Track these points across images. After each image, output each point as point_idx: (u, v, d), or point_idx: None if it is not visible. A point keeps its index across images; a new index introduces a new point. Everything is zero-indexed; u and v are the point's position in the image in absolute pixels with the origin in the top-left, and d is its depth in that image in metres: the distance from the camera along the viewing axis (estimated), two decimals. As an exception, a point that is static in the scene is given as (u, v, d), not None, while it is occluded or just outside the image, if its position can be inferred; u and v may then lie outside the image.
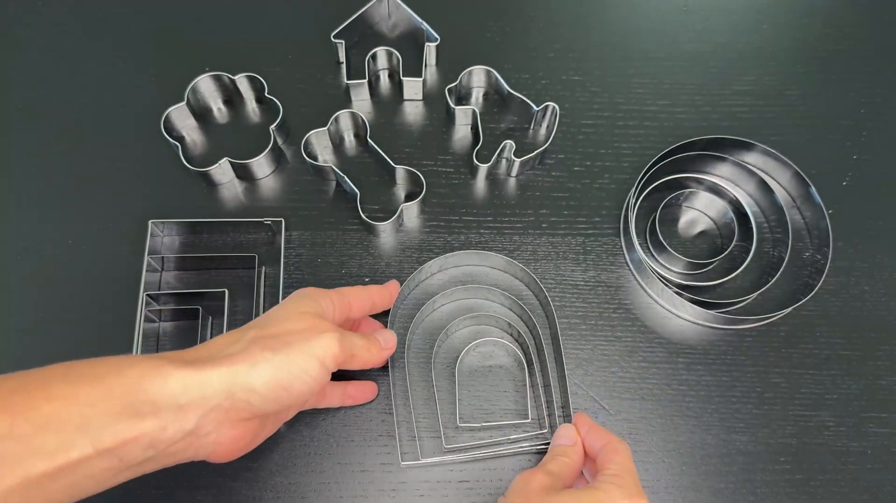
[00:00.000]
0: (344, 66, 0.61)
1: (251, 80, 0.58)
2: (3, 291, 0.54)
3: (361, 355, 0.43)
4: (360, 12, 0.60)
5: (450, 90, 0.58)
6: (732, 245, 0.55)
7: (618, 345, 0.54)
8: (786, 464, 0.51)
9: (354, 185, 0.54)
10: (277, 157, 0.58)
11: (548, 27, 0.64)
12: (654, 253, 0.56)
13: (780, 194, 0.58)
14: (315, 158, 0.57)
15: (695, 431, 0.51)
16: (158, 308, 0.52)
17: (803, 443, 0.51)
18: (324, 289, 0.45)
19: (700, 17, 0.65)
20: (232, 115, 0.60)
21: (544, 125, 0.60)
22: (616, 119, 0.61)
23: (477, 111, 0.58)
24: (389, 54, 0.59)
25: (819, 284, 0.53)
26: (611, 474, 0.41)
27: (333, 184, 0.58)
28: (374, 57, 0.59)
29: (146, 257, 0.51)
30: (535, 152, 0.56)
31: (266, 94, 0.57)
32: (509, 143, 0.56)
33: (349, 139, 0.59)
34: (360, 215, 0.54)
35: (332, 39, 0.59)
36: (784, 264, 0.54)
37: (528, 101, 0.58)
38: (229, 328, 0.52)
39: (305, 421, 0.51)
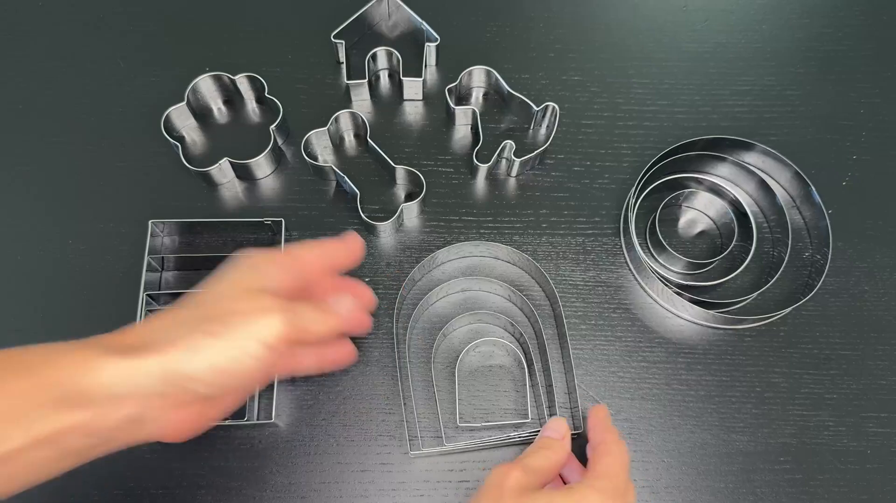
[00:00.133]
0: (344, 66, 0.61)
1: (251, 80, 0.58)
2: (3, 291, 0.54)
3: (315, 329, 0.39)
4: (360, 12, 0.60)
5: (450, 90, 0.58)
6: (732, 245, 0.55)
7: (618, 345, 0.54)
8: (786, 464, 0.51)
9: (354, 185, 0.54)
10: (277, 157, 0.58)
11: (548, 27, 0.64)
12: (653, 253, 0.56)
13: (780, 194, 0.58)
14: (315, 158, 0.57)
15: (695, 431, 0.52)
16: (159, 308, 0.52)
17: (803, 443, 0.51)
18: (271, 253, 0.41)
19: (700, 17, 0.65)
20: (232, 115, 0.60)
21: (544, 125, 0.60)
22: (616, 119, 0.61)
23: (477, 111, 0.58)
24: (389, 54, 0.59)
25: (819, 284, 0.53)
26: (594, 476, 0.40)
27: (333, 184, 0.58)
28: (374, 57, 0.59)
29: (146, 257, 0.51)
30: (535, 152, 0.56)
31: (266, 94, 0.57)
32: (509, 143, 0.56)
33: (349, 139, 0.59)
34: (360, 215, 0.54)
35: (332, 39, 0.59)
36: (784, 264, 0.54)
37: (528, 101, 0.58)
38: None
39: (305, 421, 0.51)
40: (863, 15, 0.65)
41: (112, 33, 0.63)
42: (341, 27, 0.59)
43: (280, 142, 0.58)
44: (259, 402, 0.51)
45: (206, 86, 0.58)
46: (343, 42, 0.59)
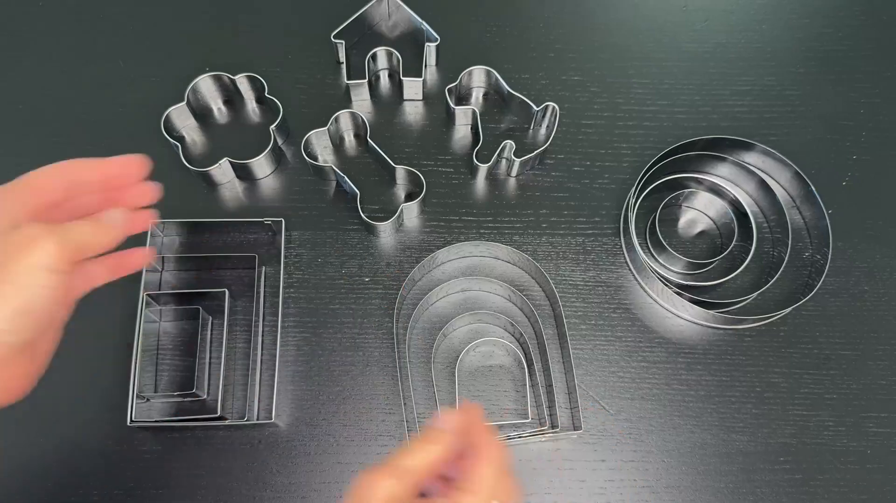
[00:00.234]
0: (344, 66, 0.61)
1: (251, 80, 0.58)
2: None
3: (94, 240, 0.37)
4: (360, 12, 0.60)
5: (450, 90, 0.58)
6: (732, 245, 0.55)
7: (618, 345, 0.54)
8: (785, 464, 0.51)
9: (354, 185, 0.54)
10: (277, 157, 0.58)
11: (548, 27, 0.64)
12: (654, 253, 0.56)
13: (780, 194, 0.58)
14: (315, 158, 0.57)
15: (694, 431, 0.52)
16: (159, 308, 0.52)
17: (803, 443, 0.51)
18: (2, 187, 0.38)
19: (700, 17, 0.65)
20: (232, 115, 0.60)
21: (544, 125, 0.60)
22: (616, 119, 0.61)
23: (477, 111, 0.58)
24: (389, 54, 0.59)
25: (819, 284, 0.53)
26: (460, 488, 0.35)
27: (333, 184, 0.58)
28: (374, 57, 0.59)
29: None
30: (535, 152, 0.56)
31: (266, 94, 0.57)
32: (509, 143, 0.56)
33: (349, 139, 0.59)
34: (360, 215, 0.54)
35: (333, 39, 0.59)
36: (784, 264, 0.54)
37: (528, 101, 0.58)
38: (230, 329, 0.52)
39: (305, 421, 0.51)
40: (863, 15, 0.65)
41: (112, 33, 0.63)
42: (341, 27, 0.59)
43: (280, 142, 0.58)
44: (259, 402, 0.51)
45: (206, 86, 0.58)
46: (343, 42, 0.59)
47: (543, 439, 0.50)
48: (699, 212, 0.58)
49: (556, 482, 0.50)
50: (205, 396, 0.51)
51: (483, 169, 0.57)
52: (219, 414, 0.48)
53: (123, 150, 0.58)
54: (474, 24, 0.64)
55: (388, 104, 0.61)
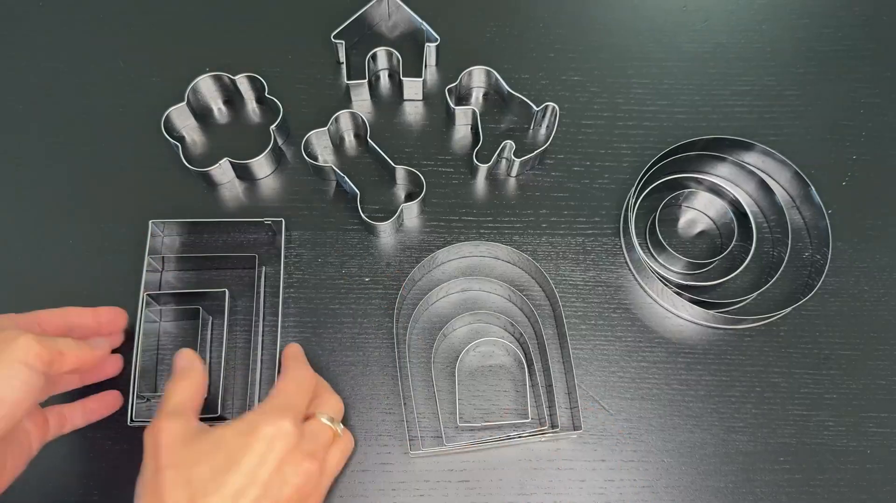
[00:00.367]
0: (344, 67, 0.61)
1: (251, 80, 0.58)
2: (4, 292, 0.54)
3: (70, 351, 0.40)
4: (360, 13, 0.60)
5: (450, 90, 0.58)
6: (732, 245, 0.55)
7: (618, 345, 0.54)
8: (785, 464, 0.51)
9: (354, 185, 0.54)
10: (277, 157, 0.58)
11: (548, 27, 0.64)
12: (653, 253, 0.56)
13: (780, 194, 0.58)
14: (315, 158, 0.57)
15: (694, 431, 0.52)
16: (159, 308, 0.52)
17: (803, 443, 0.51)
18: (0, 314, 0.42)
19: (700, 17, 0.65)
20: (232, 115, 0.60)
21: (544, 125, 0.60)
22: (616, 119, 0.61)
23: (477, 111, 0.58)
24: (389, 54, 0.59)
25: (819, 284, 0.53)
26: (263, 403, 0.41)
27: (333, 184, 0.58)
28: (374, 57, 0.59)
29: (146, 257, 0.51)
30: (535, 152, 0.56)
31: (266, 94, 0.57)
32: (509, 143, 0.56)
33: (349, 139, 0.59)
34: (360, 215, 0.54)
35: (333, 40, 0.59)
36: (784, 264, 0.54)
37: (528, 101, 0.58)
38: (230, 328, 0.52)
39: (305, 421, 0.51)
40: (863, 15, 0.65)
41: (112, 33, 0.63)
42: (341, 27, 0.59)
43: (280, 142, 0.58)
44: (259, 402, 0.51)
45: (206, 86, 0.58)
46: (343, 42, 0.59)
47: (543, 439, 0.50)
48: (699, 212, 0.58)
49: (556, 482, 0.50)
50: (205, 396, 0.51)
51: (483, 169, 0.57)
52: (219, 414, 0.48)
53: (123, 149, 0.58)
54: (474, 24, 0.64)
55: (388, 104, 0.61)
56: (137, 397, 0.48)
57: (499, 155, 0.57)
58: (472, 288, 0.55)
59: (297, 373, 0.45)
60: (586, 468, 0.50)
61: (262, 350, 0.52)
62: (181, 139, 0.58)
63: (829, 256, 0.54)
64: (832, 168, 0.60)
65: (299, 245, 0.55)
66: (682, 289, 0.53)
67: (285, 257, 0.54)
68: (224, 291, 0.51)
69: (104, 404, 0.48)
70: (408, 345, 0.52)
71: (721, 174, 0.59)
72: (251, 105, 0.60)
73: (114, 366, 0.49)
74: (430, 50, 0.60)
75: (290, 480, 0.39)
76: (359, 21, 0.61)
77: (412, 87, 0.60)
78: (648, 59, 0.63)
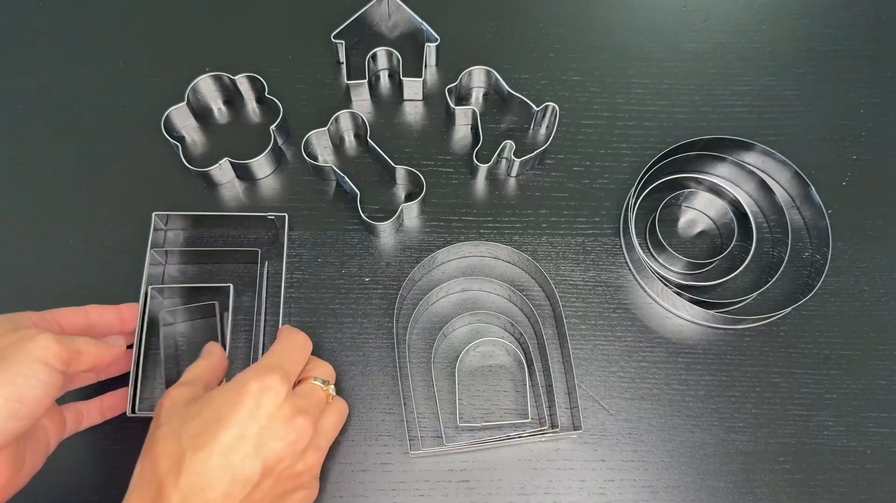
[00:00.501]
0: (344, 67, 0.61)
1: (251, 80, 0.58)
2: (5, 291, 0.54)
3: (88, 350, 0.41)
4: (360, 13, 0.60)
5: (450, 90, 0.58)
6: (732, 245, 0.55)
7: (618, 345, 0.54)
8: (785, 464, 0.51)
9: (354, 185, 0.54)
10: (277, 158, 0.58)
11: (548, 27, 0.64)
12: (653, 253, 0.56)
13: (780, 194, 0.58)
14: (315, 158, 0.57)
15: (694, 431, 0.52)
16: (174, 308, 0.52)
17: (803, 443, 0.51)
18: (18, 313, 0.42)
19: (700, 17, 0.65)
20: (232, 115, 0.60)
21: (544, 125, 0.60)
22: (616, 119, 0.61)
23: (477, 111, 0.58)
24: (389, 54, 0.59)
25: (819, 284, 0.53)
26: (255, 362, 0.42)
27: (333, 184, 0.58)
28: (374, 57, 0.59)
29: (149, 250, 0.51)
30: (535, 152, 0.56)
31: (266, 94, 0.57)
32: (509, 143, 0.56)
33: (349, 139, 0.59)
34: (360, 215, 0.54)
35: (333, 40, 0.59)
36: (784, 264, 0.54)
37: (528, 101, 0.58)
38: (233, 327, 0.52)
39: (305, 421, 0.51)
40: (863, 15, 0.65)
41: (112, 33, 0.63)
42: (341, 27, 0.59)
43: (280, 142, 0.58)
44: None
45: (206, 86, 0.58)
46: (343, 42, 0.59)
47: (543, 439, 0.50)
48: (699, 212, 0.59)
49: (556, 482, 0.50)
50: (223, 377, 0.50)
51: (483, 169, 0.57)
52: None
53: (123, 150, 0.58)
54: (474, 24, 0.64)
55: (388, 104, 0.61)
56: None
57: (499, 155, 0.57)
58: (472, 288, 0.55)
59: (289, 336, 0.45)
60: (586, 468, 0.50)
61: (262, 350, 0.52)
62: (181, 139, 0.58)
63: (829, 256, 0.54)
64: (832, 168, 0.60)
65: (299, 245, 0.56)
66: (682, 289, 0.53)
67: (287, 255, 0.54)
68: (229, 286, 0.50)
69: (120, 401, 0.48)
70: (408, 345, 0.52)
71: (721, 174, 0.59)
72: (251, 105, 0.60)
73: (129, 361, 0.49)
74: (430, 50, 0.60)
75: (282, 436, 0.39)
76: (359, 21, 0.61)
77: (412, 87, 0.60)
78: (648, 59, 0.63)
